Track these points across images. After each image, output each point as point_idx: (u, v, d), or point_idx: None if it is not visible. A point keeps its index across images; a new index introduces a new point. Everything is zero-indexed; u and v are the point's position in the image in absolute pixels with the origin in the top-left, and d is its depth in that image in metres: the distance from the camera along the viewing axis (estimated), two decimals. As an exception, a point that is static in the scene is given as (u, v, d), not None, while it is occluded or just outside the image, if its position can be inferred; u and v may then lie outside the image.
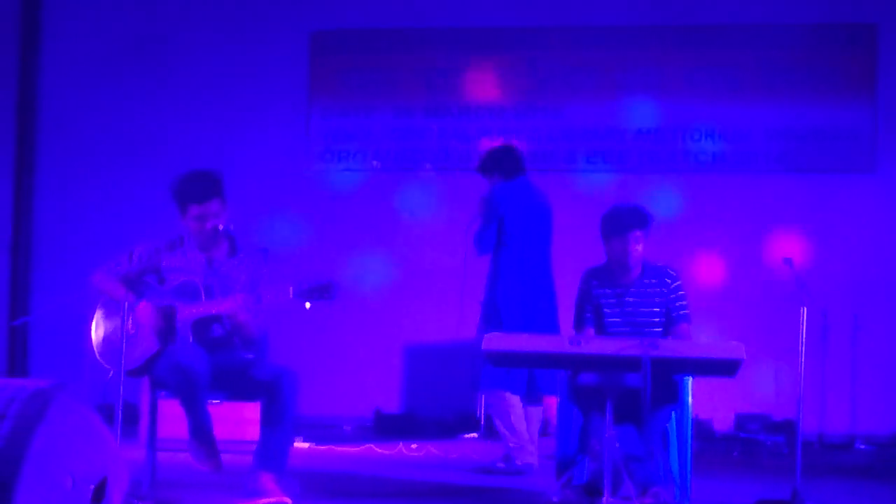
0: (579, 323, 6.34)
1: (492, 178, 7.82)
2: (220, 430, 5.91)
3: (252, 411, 7.70)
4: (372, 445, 8.19)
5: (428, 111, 10.54)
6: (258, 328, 5.80)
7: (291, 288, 5.64)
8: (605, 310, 6.25)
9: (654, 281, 6.23)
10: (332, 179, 10.51)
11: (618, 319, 6.21)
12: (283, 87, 10.88)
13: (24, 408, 3.88)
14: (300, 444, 8.08)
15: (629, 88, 10.37)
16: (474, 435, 9.56)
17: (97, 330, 5.91)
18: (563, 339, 5.67)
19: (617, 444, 5.66)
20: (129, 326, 5.73)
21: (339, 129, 10.74)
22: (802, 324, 6.02)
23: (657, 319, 6.18)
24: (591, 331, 6.26)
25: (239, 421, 7.82)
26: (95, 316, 5.93)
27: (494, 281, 7.62)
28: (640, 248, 6.20)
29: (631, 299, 6.22)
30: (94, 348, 5.87)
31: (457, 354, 9.60)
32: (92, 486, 4.08)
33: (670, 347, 5.59)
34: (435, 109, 10.60)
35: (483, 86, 10.66)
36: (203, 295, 5.80)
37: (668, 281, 6.24)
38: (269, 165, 10.47)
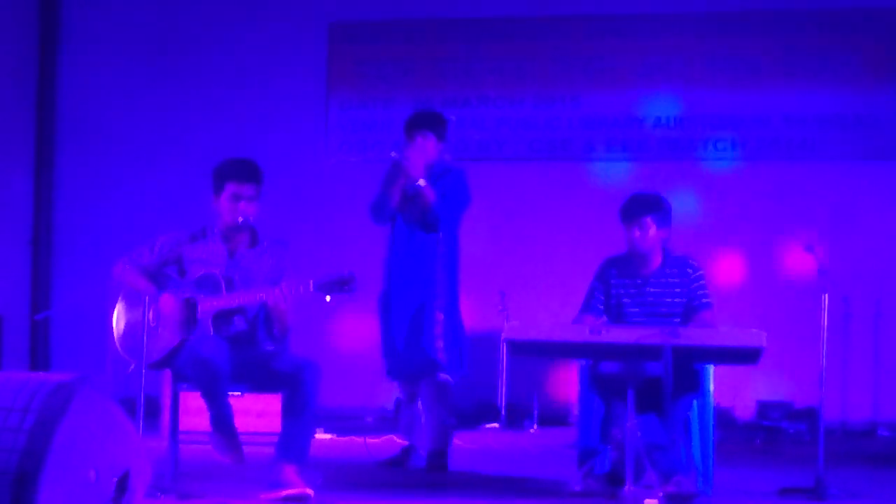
0: (586, 308, 6.31)
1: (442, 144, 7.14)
2: (241, 423, 5.92)
3: (273, 403, 7.72)
4: (393, 436, 8.17)
5: (446, 101, 10.53)
6: (292, 319, 5.82)
7: (312, 281, 5.66)
8: (625, 300, 6.22)
9: (675, 271, 6.20)
10: (351, 170, 10.51)
11: (637, 310, 6.18)
12: (301, 79, 10.89)
13: (47, 401, 3.89)
14: (322, 436, 8.09)
15: (648, 77, 10.34)
16: (495, 425, 9.56)
17: (119, 322, 5.92)
18: (585, 328, 5.65)
19: (639, 433, 5.65)
20: (151, 319, 5.74)
21: (357, 120, 10.74)
22: (824, 311, 6.01)
23: (678, 310, 6.16)
24: (590, 318, 6.22)
25: (260, 413, 7.83)
26: (117, 308, 5.94)
27: (455, 270, 7.18)
28: (652, 234, 6.16)
29: (652, 290, 6.19)
30: (116, 341, 5.88)
31: (477, 344, 9.60)
32: (115, 479, 4.09)
33: (691, 336, 5.57)
34: (453, 100, 10.59)
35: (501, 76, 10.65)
36: (224, 287, 5.81)
37: (690, 271, 6.21)
38: (288, 157, 10.47)
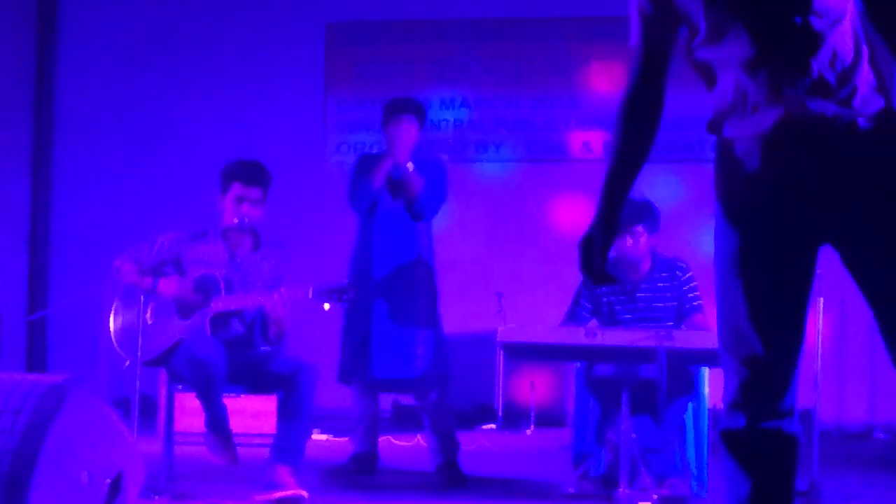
0: (571, 316, 6.29)
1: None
2: (236, 424, 5.93)
3: (268, 404, 7.72)
4: (390, 437, 8.18)
5: (444, 102, 10.53)
6: (289, 324, 5.82)
7: (311, 288, 5.67)
8: (617, 306, 6.20)
9: (664, 275, 6.19)
10: (348, 171, 10.50)
11: (630, 316, 6.17)
12: (299, 80, 10.89)
13: (39, 403, 3.89)
14: (318, 436, 8.09)
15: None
16: (492, 426, 9.56)
17: (115, 319, 5.91)
18: (579, 331, 5.66)
19: (633, 436, 5.66)
20: (148, 316, 5.75)
21: (355, 120, 10.74)
22: (819, 313, 6.00)
23: (670, 314, 6.15)
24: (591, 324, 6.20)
25: (255, 414, 7.83)
26: (114, 305, 5.93)
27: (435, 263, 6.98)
28: (643, 241, 6.15)
29: (642, 294, 6.18)
30: (112, 338, 5.88)
31: (474, 346, 9.61)
32: (108, 481, 4.09)
33: (685, 338, 5.58)
34: (451, 100, 10.60)
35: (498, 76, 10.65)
36: (223, 289, 5.81)
37: (679, 274, 6.20)
38: (286, 158, 10.45)
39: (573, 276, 7.60)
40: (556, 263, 10.23)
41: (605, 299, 6.20)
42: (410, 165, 6.60)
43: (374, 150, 6.69)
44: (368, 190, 6.63)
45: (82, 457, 3.99)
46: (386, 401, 9.96)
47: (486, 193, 9.85)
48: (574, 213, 10.35)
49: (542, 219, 10.52)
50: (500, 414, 9.64)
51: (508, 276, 10.26)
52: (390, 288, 6.68)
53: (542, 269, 10.38)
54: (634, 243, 6.13)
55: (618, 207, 3.17)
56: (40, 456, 3.79)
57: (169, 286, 5.81)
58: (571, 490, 5.95)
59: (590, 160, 10.44)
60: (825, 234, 3.00)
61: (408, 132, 6.63)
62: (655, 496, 5.64)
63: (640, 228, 6.11)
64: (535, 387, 9.55)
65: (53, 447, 3.83)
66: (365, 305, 6.62)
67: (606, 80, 10.40)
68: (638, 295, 6.16)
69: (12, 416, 3.86)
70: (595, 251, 3.17)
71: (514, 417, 9.65)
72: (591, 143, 10.48)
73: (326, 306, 5.68)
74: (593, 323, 6.18)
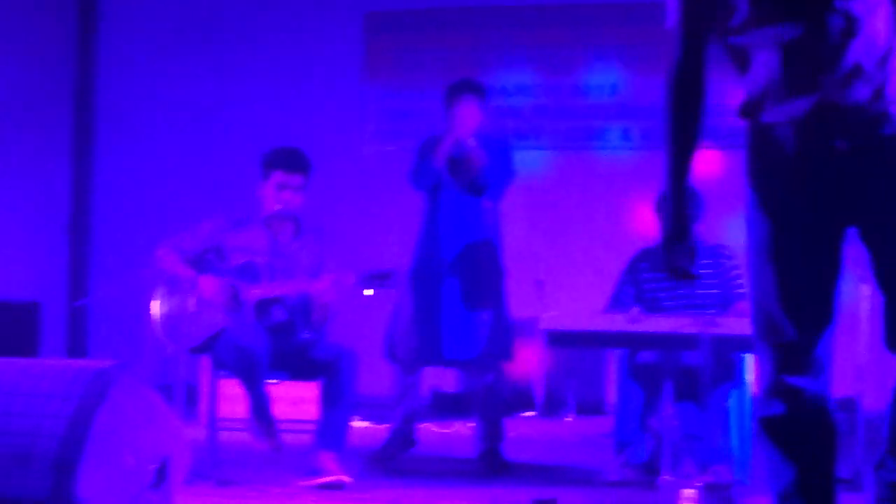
0: (615, 303, 6.27)
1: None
2: (277, 410, 5.93)
3: (308, 391, 7.74)
4: (430, 424, 8.18)
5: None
6: (333, 310, 5.82)
7: (354, 274, 5.67)
8: (659, 294, 6.18)
9: (709, 261, 6.15)
10: (387, 159, 10.51)
11: (672, 303, 6.15)
12: (338, 68, 10.90)
13: (86, 388, 3.91)
14: (359, 423, 8.09)
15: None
16: (532, 413, 9.55)
17: (159, 307, 5.93)
18: (622, 318, 5.64)
19: (676, 423, 5.64)
20: (191, 304, 5.77)
21: (394, 109, 10.73)
22: (864, 299, 5.96)
23: (715, 301, 6.12)
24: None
25: (296, 401, 7.84)
26: (157, 293, 5.95)
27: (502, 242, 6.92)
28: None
29: (686, 282, 6.14)
30: (156, 326, 5.90)
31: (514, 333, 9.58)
32: (154, 466, 4.11)
33: (729, 325, 5.55)
34: (490, 88, 10.53)
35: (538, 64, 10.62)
36: (265, 276, 5.83)
37: (723, 260, 6.17)
38: (325, 146, 10.47)
39: (612, 264, 7.63)
40: (595, 252, 10.21)
41: (647, 286, 6.18)
42: (472, 140, 6.56)
43: (410, 140, 6.67)
44: (430, 167, 6.59)
45: (129, 442, 4.01)
46: (425, 388, 9.99)
47: (526, 182, 9.77)
48: (613, 202, 10.33)
49: (581, 207, 10.49)
50: (539, 401, 9.62)
51: (548, 264, 10.22)
52: (457, 269, 6.63)
53: (581, 257, 10.35)
54: None
55: (685, 195, 3.19)
56: (88, 441, 3.81)
57: (208, 285, 5.80)
58: (614, 477, 5.94)
59: (629, 149, 10.41)
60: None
61: (469, 110, 6.60)
62: (699, 483, 5.61)
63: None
64: (574, 374, 9.53)
65: (100, 432, 3.85)
66: (430, 286, 6.63)
67: (647, 68, 10.35)
68: (681, 283, 6.12)
69: (60, 401, 3.89)
70: (677, 249, 3.19)
71: (553, 405, 9.63)
72: (630, 132, 10.44)
73: (369, 292, 5.68)
74: (636, 310, 6.15)
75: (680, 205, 3.20)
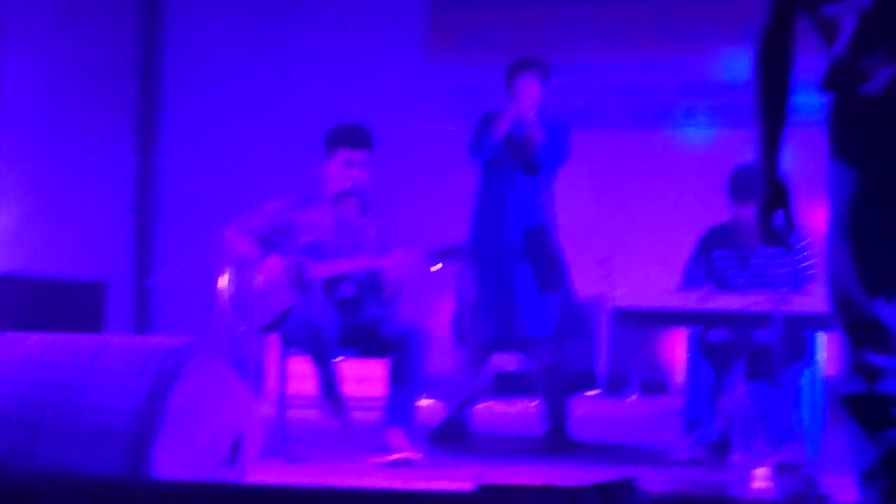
0: (687, 281, 6.23)
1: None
2: (346, 388, 5.92)
3: (374, 369, 7.75)
4: (493, 403, 8.16)
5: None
6: (405, 285, 5.82)
7: (422, 249, 5.67)
8: (730, 272, 6.13)
9: (781, 241, 6.08)
10: (452, 136, 10.48)
11: (743, 281, 6.10)
12: (403, 46, 10.87)
13: (162, 365, 3.93)
14: (425, 402, 8.10)
15: (753, 41, 10.14)
16: (595, 392, 9.52)
17: (227, 286, 5.95)
18: (694, 296, 5.60)
19: (748, 402, 5.59)
20: (259, 283, 5.78)
21: (459, 86, 10.70)
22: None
23: (786, 280, 6.05)
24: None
25: (361, 379, 7.86)
26: (226, 273, 5.97)
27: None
28: None
29: (757, 261, 6.09)
30: (225, 305, 5.92)
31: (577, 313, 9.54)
32: (228, 442, 4.12)
33: (802, 303, 5.49)
34: (555, 66, 10.47)
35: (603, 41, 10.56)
36: (333, 253, 5.83)
37: (795, 241, 6.10)
38: (390, 124, 10.47)
39: (676, 243, 7.57)
40: (660, 230, 10.14)
41: (718, 263, 6.14)
42: (531, 117, 6.56)
43: (493, 110, 6.67)
44: (488, 141, 6.60)
45: (204, 418, 4.03)
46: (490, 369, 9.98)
47: (590, 160, 9.73)
48: (677, 181, 10.25)
49: (646, 186, 10.42)
50: (603, 381, 9.59)
51: (611, 242, 10.18)
52: (510, 247, 6.62)
53: (645, 236, 10.29)
54: (751, 210, 6.03)
55: (778, 165, 3.16)
56: (164, 417, 3.83)
57: (274, 265, 5.81)
58: (684, 456, 5.91)
59: (692, 126, 10.33)
60: None
61: (530, 86, 6.63)
62: (770, 462, 5.56)
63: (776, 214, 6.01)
64: (638, 353, 9.49)
65: (176, 408, 3.87)
66: (484, 265, 6.63)
67: (714, 44, 10.25)
68: (752, 261, 6.08)
69: (137, 377, 3.91)
70: (774, 217, 3.17)
71: (616, 384, 9.60)
72: (694, 109, 10.35)
73: (438, 267, 5.67)
74: (708, 288, 6.10)
75: (774, 169, 3.17)
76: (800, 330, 5.71)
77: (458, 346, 6.82)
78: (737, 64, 10.15)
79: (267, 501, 3.41)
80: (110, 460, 3.76)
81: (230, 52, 11.00)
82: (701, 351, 5.99)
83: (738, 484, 5.42)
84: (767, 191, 3.19)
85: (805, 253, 6.10)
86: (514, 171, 6.66)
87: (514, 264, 6.58)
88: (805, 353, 5.89)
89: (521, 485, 3.27)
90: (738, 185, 6.10)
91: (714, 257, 6.12)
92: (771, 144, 3.18)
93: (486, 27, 10.71)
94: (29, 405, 3.91)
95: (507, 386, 9.63)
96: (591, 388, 9.55)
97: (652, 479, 5.49)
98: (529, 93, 6.60)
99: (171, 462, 3.82)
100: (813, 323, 5.63)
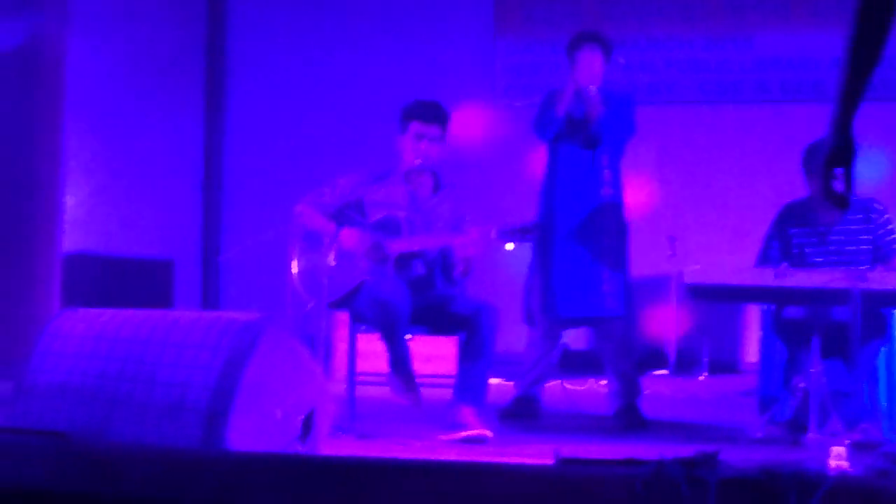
0: (764, 259, 6.15)
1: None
2: (416, 366, 5.90)
3: (442, 347, 7.73)
4: (562, 381, 8.11)
5: (614, 43, 10.38)
6: (477, 263, 5.80)
7: (495, 228, 5.63)
8: (808, 249, 6.03)
9: (859, 216, 5.98)
10: (518, 114, 10.44)
11: (822, 259, 5.99)
12: (469, 24, 10.86)
13: (235, 341, 3.93)
14: (494, 381, 8.07)
15: (823, 16, 10.03)
16: (664, 371, 9.46)
17: (298, 261, 5.94)
18: (770, 273, 5.51)
19: (824, 380, 5.51)
20: (331, 258, 5.76)
21: (524, 63, 10.66)
22: None
23: (865, 257, 5.96)
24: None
25: (429, 357, 7.84)
26: (296, 248, 5.97)
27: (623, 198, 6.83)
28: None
29: (835, 237, 6.00)
30: (295, 280, 5.92)
31: (645, 290, 9.48)
32: (301, 418, 4.12)
33: (880, 279, 5.39)
34: (622, 41, 10.40)
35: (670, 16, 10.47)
36: (405, 230, 5.81)
37: (875, 216, 6.00)
38: (456, 102, 10.44)
39: (746, 220, 7.50)
40: (729, 207, 10.07)
41: (795, 241, 6.05)
42: (593, 89, 6.52)
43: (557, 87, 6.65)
44: (552, 117, 6.58)
45: (277, 394, 4.03)
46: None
47: (658, 136, 9.65)
48: (747, 156, 10.16)
49: (715, 161, 10.34)
50: (672, 360, 9.53)
51: (679, 220, 10.11)
52: (576, 225, 6.59)
53: (713, 213, 10.22)
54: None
55: (852, 120, 3.07)
56: (237, 392, 3.83)
57: (350, 238, 5.81)
58: (758, 434, 5.83)
59: (763, 101, 10.22)
60: None
61: (590, 60, 6.59)
62: (846, 441, 5.48)
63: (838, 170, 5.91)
64: (707, 332, 9.42)
65: (250, 384, 3.87)
66: (551, 243, 6.59)
67: (781, 19, 10.14)
68: (830, 238, 5.98)
69: (211, 352, 3.91)
70: (835, 172, 3.09)
71: (686, 363, 9.53)
72: (765, 84, 10.24)
73: (510, 246, 5.64)
74: (785, 265, 6.02)
75: (848, 124, 3.08)
76: (878, 307, 5.63)
77: (527, 325, 6.78)
78: (808, 40, 10.07)
79: (341, 473, 3.40)
80: (185, 433, 3.77)
81: (298, 30, 11.03)
82: (775, 329, 5.92)
83: (815, 463, 5.35)
84: (835, 144, 3.10)
85: (888, 227, 5.99)
86: (576, 147, 6.60)
87: (584, 242, 6.53)
88: (882, 331, 5.79)
89: (601, 458, 3.23)
90: (811, 162, 6.00)
91: (791, 234, 6.03)
92: (851, 97, 3.09)
93: (551, 4, 10.65)
94: (104, 379, 3.93)
95: (574, 364, 9.59)
96: (659, 368, 9.49)
97: (728, 457, 5.46)
98: (590, 66, 6.57)
99: (245, 437, 3.82)
100: (891, 300, 5.54)
